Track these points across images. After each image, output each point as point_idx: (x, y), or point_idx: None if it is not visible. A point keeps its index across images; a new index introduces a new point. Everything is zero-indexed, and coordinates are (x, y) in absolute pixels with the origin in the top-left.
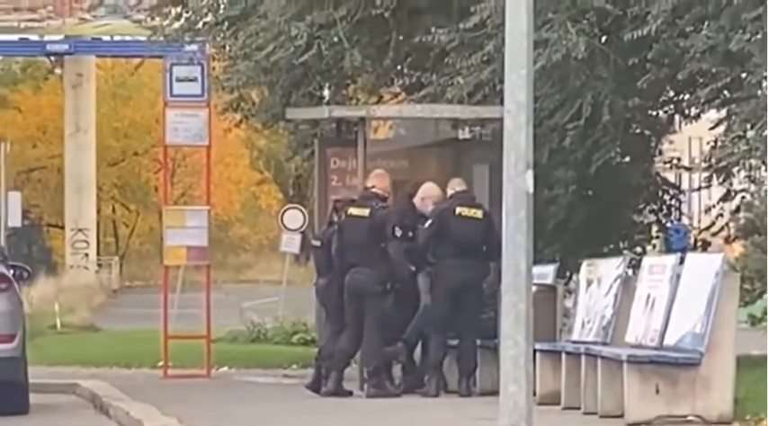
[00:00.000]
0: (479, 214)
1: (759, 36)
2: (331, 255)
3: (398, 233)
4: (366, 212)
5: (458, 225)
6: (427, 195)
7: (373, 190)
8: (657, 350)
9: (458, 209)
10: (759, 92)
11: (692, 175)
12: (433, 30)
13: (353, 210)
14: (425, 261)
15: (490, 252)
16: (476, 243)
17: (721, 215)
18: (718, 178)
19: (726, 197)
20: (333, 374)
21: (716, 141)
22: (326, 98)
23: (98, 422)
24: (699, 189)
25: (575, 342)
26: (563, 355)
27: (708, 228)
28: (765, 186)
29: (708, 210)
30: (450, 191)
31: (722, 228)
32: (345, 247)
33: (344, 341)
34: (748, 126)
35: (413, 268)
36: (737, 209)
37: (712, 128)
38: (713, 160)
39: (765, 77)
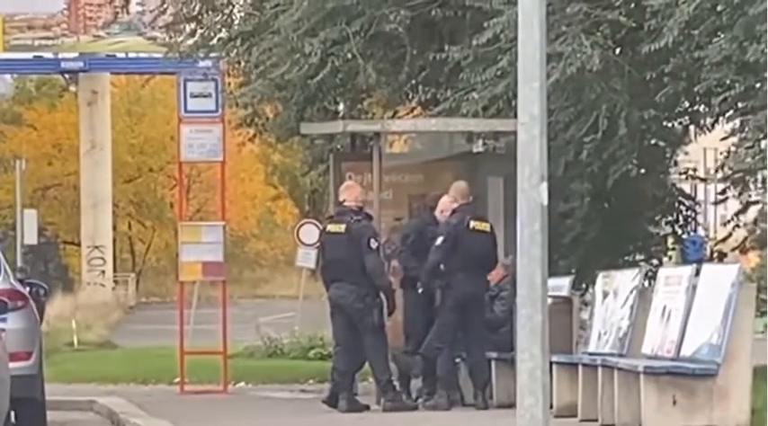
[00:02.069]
0: (488, 227)
1: None
2: None
3: (374, 245)
4: (342, 227)
5: (470, 239)
6: (447, 208)
7: (345, 204)
8: (674, 361)
9: (471, 224)
10: None
11: (708, 186)
12: (446, 47)
13: (330, 227)
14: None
15: (493, 265)
16: (485, 256)
17: (738, 226)
18: (734, 189)
19: (743, 210)
20: (343, 394)
21: (728, 151)
22: (341, 113)
23: None
24: (715, 202)
25: (591, 354)
26: (579, 367)
27: (724, 240)
28: None
29: (726, 223)
30: (453, 203)
31: (742, 243)
32: (327, 264)
33: (339, 361)
34: (761, 135)
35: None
36: (755, 221)
37: (725, 138)
38: (726, 169)
39: None
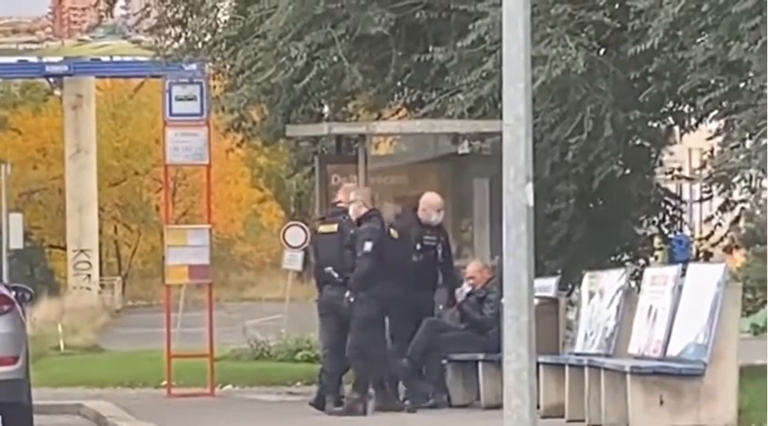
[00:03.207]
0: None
1: (758, 45)
2: None
3: (368, 247)
4: (334, 227)
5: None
6: (428, 204)
7: (339, 205)
8: (661, 361)
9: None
10: (759, 101)
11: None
12: (431, 49)
13: (322, 227)
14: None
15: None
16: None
17: (720, 224)
18: (717, 188)
19: (725, 206)
20: (330, 396)
21: (712, 151)
22: (327, 115)
23: None
24: (700, 200)
25: (578, 355)
26: (566, 367)
27: (707, 238)
28: (765, 195)
29: (708, 220)
30: (362, 208)
31: (722, 239)
32: (321, 264)
33: (327, 364)
34: (747, 135)
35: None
36: (737, 219)
37: (711, 138)
38: (710, 168)
39: (765, 86)
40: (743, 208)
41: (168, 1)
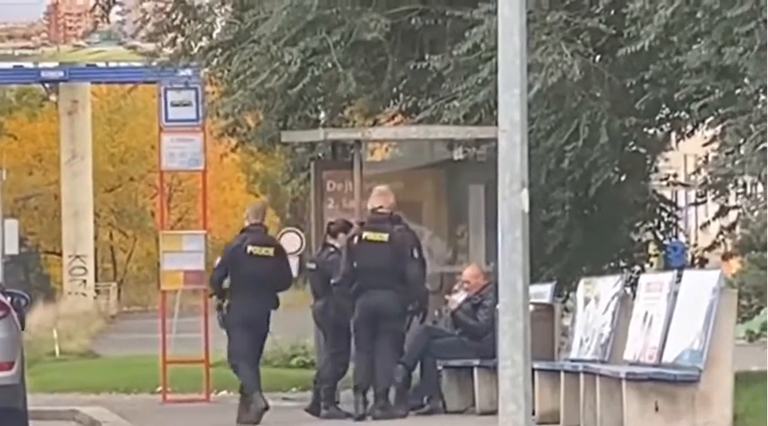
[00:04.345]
0: (271, 252)
1: (752, 50)
2: (327, 278)
3: (416, 254)
4: (385, 236)
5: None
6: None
7: (380, 211)
8: (656, 367)
9: (249, 248)
10: (754, 106)
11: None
12: (427, 56)
13: (369, 235)
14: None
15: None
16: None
17: (722, 233)
18: (713, 194)
19: (720, 213)
20: (380, 397)
21: (706, 156)
22: (322, 121)
23: None
24: (695, 204)
25: (573, 361)
26: (562, 374)
27: (710, 248)
28: (764, 201)
29: (703, 227)
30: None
31: (716, 244)
32: (363, 271)
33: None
34: (741, 140)
35: (429, 287)
36: (732, 226)
37: (706, 144)
38: (705, 174)
39: (765, 91)
40: (740, 214)
41: (167, 8)
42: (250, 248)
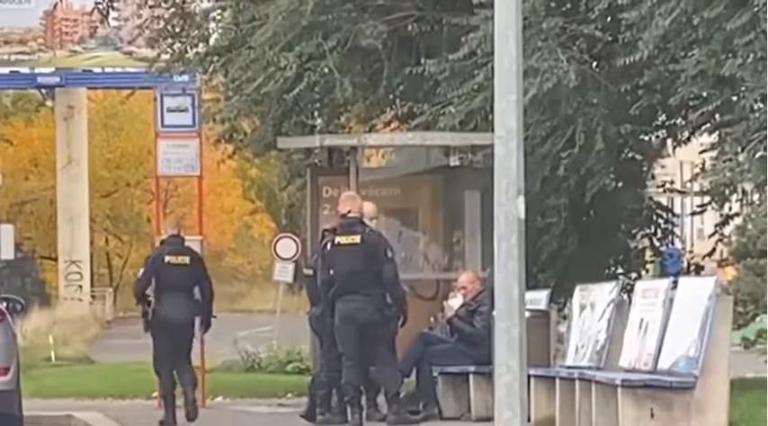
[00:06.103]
0: (186, 260)
1: (751, 60)
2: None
3: (390, 254)
4: (357, 239)
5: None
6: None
7: (350, 215)
8: (651, 374)
9: (167, 258)
10: (752, 114)
11: (684, 199)
12: (423, 61)
13: (341, 239)
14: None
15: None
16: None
17: (721, 240)
18: (713, 202)
19: (725, 222)
20: (356, 409)
21: (703, 164)
22: (318, 127)
23: None
24: (693, 213)
25: (569, 367)
26: (557, 380)
27: (710, 255)
28: (764, 208)
29: (711, 236)
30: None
31: (713, 251)
32: (338, 276)
33: (351, 375)
34: (739, 148)
35: (405, 288)
36: (723, 232)
37: (704, 152)
38: (703, 182)
39: (764, 100)
40: (741, 220)
41: (166, 14)
42: (167, 258)
